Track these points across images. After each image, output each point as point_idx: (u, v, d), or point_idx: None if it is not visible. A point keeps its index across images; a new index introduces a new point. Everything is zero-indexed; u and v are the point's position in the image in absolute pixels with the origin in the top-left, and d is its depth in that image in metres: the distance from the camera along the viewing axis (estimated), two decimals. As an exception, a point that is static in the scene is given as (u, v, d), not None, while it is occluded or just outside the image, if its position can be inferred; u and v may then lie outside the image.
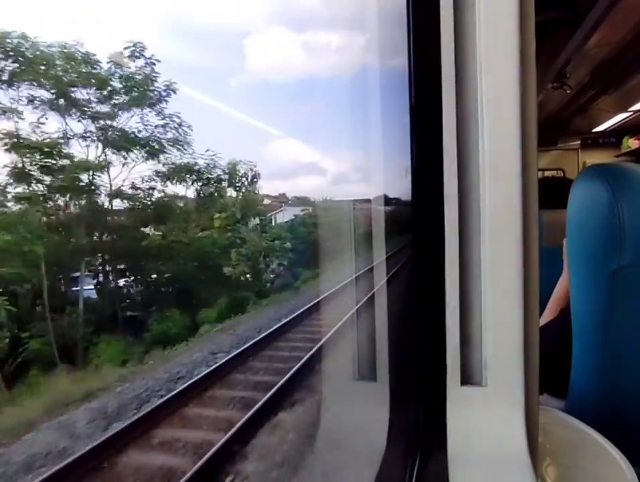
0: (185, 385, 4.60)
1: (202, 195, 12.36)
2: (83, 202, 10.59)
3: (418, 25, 0.61)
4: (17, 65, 9.29)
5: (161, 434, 3.78)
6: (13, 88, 9.52)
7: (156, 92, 11.04)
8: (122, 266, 11.25)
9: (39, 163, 9.51)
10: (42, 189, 9.82)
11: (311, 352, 5.42)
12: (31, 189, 9.67)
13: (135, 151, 11.10)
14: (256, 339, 6.22)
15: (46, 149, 9.52)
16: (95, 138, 10.64)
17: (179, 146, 11.59)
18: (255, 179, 13.40)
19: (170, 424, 3.94)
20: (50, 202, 10.11)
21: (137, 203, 11.40)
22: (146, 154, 11.24)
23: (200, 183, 12.20)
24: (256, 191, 13.77)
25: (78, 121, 10.45)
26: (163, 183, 11.72)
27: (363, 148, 0.77)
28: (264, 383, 4.70)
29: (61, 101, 10.06)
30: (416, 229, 0.67)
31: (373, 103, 0.69)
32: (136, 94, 10.76)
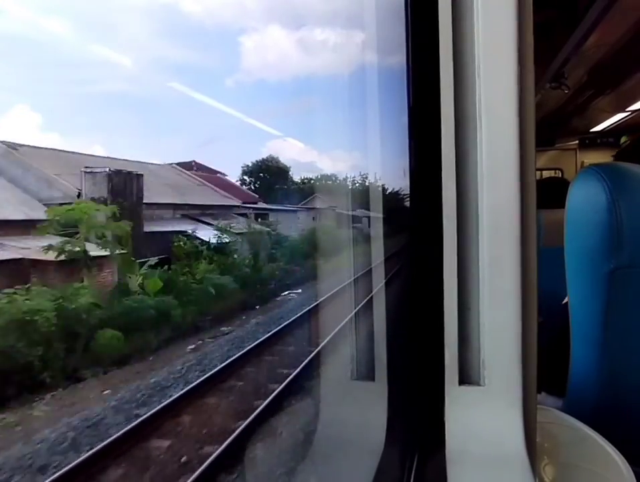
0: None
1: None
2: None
3: (416, 25, 0.61)
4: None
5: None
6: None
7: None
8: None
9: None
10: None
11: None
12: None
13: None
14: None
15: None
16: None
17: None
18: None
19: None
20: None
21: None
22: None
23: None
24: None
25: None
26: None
27: (361, 148, 0.77)
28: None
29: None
30: (415, 230, 0.67)
31: (371, 103, 0.69)
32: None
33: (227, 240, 12.97)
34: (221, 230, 13.24)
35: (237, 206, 17.57)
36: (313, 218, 20.83)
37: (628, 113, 4.49)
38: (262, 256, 14.12)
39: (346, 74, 0.70)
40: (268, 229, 16.16)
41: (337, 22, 0.70)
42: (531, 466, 0.53)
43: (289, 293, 12.11)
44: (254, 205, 18.64)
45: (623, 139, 5.18)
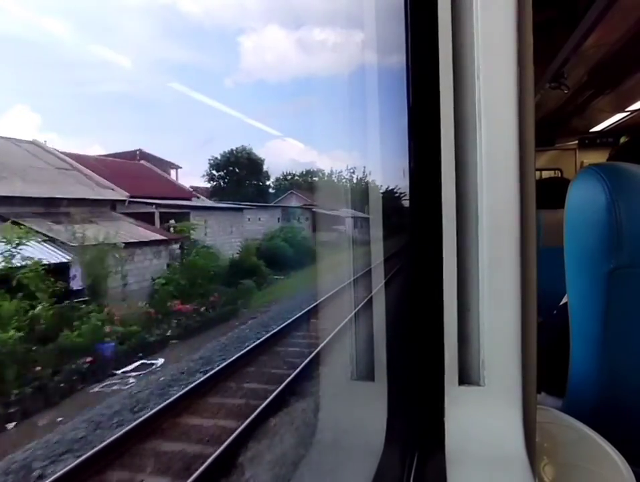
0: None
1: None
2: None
3: (415, 26, 0.61)
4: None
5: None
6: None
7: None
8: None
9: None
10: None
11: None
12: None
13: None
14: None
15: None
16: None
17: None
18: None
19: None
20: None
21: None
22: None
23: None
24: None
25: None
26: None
27: (361, 148, 0.77)
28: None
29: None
30: (414, 230, 0.67)
31: (371, 104, 0.69)
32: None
33: (25, 262, 6.88)
34: (16, 243, 7.04)
35: (122, 201, 11.59)
36: (278, 219, 17.85)
37: (628, 113, 4.49)
38: (105, 288, 7.98)
39: (345, 74, 0.70)
40: (162, 237, 10.24)
41: (336, 22, 0.70)
42: (531, 466, 0.53)
43: (128, 373, 6.11)
44: (159, 201, 12.31)
45: (622, 139, 5.19)
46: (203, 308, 8.56)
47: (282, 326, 7.52)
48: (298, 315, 7.91)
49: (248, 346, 6.57)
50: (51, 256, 7.84)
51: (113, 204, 11.68)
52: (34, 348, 5.86)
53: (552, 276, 1.00)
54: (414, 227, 0.67)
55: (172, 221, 12.05)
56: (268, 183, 26.83)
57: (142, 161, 17.02)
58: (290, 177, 28.76)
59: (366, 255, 0.68)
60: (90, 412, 4.87)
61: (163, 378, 5.71)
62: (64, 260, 7.96)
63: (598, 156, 5.20)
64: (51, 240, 8.14)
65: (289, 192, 23.02)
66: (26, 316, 6.34)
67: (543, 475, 0.61)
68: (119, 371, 6.17)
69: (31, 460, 3.94)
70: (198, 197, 16.90)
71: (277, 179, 28.22)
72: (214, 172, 24.96)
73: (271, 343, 6.84)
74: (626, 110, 4.40)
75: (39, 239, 7.85)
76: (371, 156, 0.74)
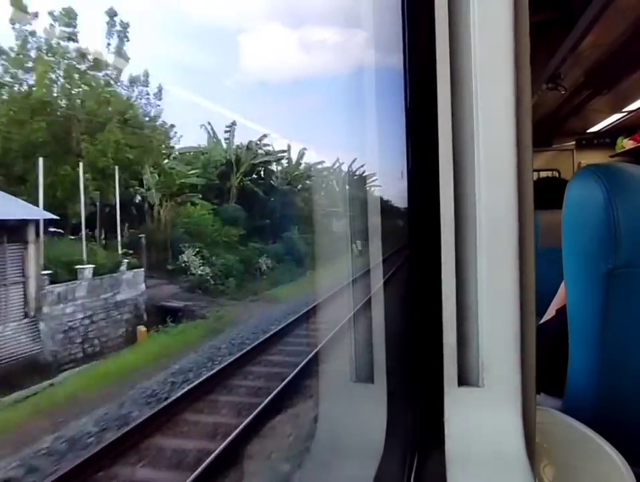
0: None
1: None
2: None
3: (413, 26, 0.61)
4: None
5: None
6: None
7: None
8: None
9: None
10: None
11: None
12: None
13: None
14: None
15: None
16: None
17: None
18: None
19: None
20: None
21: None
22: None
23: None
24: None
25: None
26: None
27: (359, 150, 0.77)
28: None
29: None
30: (413, 231, 0.67)
31: (368, 105, 0.70)
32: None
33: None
34: None
35: None
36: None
37: (625, 114, 4.50)
38: None
39: (343, 75, 0.70)
40: None
41: (334, 21, 0.71)
42: (531, 467, 0.53)
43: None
44: None
45: (620, 140, 5.21)
46: None
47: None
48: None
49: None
50: None
51: None
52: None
53: (550, 277, 1.00)
54: (412, 228, 0.67)
55: None
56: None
57: None
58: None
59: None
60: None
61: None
62: None
63: (595, 157, 5.22)
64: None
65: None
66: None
67: (543, 476, 0.61)
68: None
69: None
70: None
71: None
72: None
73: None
74: (623, 110, 4.41)
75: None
76: (369, 157, 0.74)
